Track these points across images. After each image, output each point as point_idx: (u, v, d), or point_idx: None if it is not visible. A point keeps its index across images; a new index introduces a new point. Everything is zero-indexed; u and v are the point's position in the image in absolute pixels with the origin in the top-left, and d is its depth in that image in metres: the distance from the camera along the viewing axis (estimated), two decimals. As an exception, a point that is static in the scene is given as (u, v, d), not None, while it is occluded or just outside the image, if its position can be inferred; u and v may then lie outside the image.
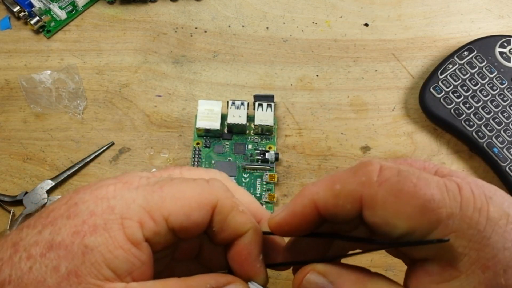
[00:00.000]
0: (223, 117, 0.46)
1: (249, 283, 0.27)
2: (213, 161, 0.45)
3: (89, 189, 0.25)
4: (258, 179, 0.45)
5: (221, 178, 0.28)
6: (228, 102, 0.46)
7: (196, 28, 0.52)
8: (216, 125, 0.45)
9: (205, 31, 0.52)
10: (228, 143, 0.46)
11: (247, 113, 0.46)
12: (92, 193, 0.24)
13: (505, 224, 0.22)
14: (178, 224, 0.24)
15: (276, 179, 0.44)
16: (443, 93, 0.47)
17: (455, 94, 0.47)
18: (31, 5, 0.51)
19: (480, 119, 0.46)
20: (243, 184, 0.44)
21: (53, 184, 0.44)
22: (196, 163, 0.45)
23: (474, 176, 0.46)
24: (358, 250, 0.26)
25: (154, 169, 0.45)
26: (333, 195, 0.25)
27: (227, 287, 0.26)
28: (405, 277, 0.25)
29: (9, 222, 0.42)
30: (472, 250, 0.22)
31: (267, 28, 0.52)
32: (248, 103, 0.46)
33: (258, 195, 0.44)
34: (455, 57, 0.48)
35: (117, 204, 0.24)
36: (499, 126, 0.46)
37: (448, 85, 0.47)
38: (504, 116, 0.46)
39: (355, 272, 0.25)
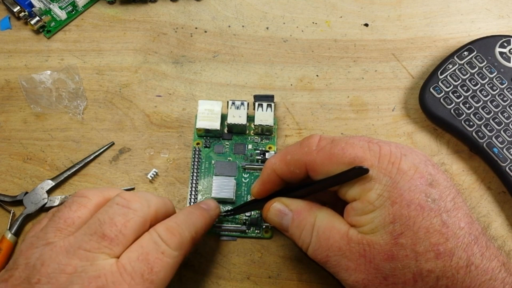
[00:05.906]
0: (223, 117, 0.46)
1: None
2: (213, 161, 0.45)
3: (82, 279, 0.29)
4: (258, 179, 0.45)
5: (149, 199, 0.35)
6: (228, 102, 0.46)
7: (196, 28, 0.52)
8: (216, 125, 0.45)
9: (205, 31, 0.52)
10: (228, 143, 0.46)
11: (247, 113, 0.46)
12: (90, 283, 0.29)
13: (413, 173, 0.30)
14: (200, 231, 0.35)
15: (276, 179, 0.44)
16: (443, 93, 0.47)
17: (455, 94, 0.47)
18: (31, 5, 0.51)
19: (480, 119, 0.46)
20: (243, 184, 0.44)
21: (53, 184, 0.44)
22: (196, 163, 0.45)
23: (473, 176, 0.46)
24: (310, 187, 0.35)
25: (154, 170, 0.45)
26: (286, 164, 0.34)
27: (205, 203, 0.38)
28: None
29: (9, 222, 0.42)
30: (385, 192, 0.30)
31: (267, 28, 0.52)
32: (248, 103, 0.46)
33: (258, 195, 0.44)
34: (455, 57, 0.48)
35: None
36: (499, 126, 0.46)
37: (448, 85, 0.47)
38: (504, 116, 0.46)
39: (309, 204, 0.34)
